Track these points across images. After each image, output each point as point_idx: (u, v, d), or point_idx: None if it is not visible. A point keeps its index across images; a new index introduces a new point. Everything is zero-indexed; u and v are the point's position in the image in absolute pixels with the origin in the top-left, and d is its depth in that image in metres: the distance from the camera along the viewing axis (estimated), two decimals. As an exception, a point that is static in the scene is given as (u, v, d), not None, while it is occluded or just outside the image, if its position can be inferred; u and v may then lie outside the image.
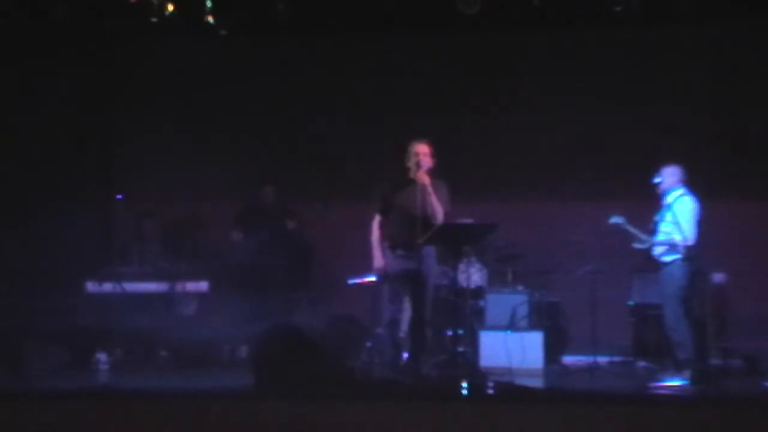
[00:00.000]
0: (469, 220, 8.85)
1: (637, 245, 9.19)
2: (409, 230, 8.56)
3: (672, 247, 8.96)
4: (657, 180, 9.15)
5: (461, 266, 9.07)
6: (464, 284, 9.25)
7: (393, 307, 8.87)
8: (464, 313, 9.33)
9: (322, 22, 11.01)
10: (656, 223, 9.12)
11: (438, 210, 8.61)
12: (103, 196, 11.44)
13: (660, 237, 9.04)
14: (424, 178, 8.60)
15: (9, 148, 10.59)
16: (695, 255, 8.95)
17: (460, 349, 8.97)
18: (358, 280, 9.92)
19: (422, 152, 8.75)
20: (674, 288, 8.93)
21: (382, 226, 8.88)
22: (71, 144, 11.24)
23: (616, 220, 9.27)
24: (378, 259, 8.85)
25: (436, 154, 8.77)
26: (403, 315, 9.01)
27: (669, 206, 9.03)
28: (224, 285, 10.60)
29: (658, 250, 9.08)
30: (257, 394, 7.73)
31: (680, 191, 9.11)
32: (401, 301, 8.91)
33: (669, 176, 9.14)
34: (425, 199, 8.57)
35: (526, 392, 8.31)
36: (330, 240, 11.18)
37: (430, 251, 8.78)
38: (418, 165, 8.69)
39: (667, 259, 9.00)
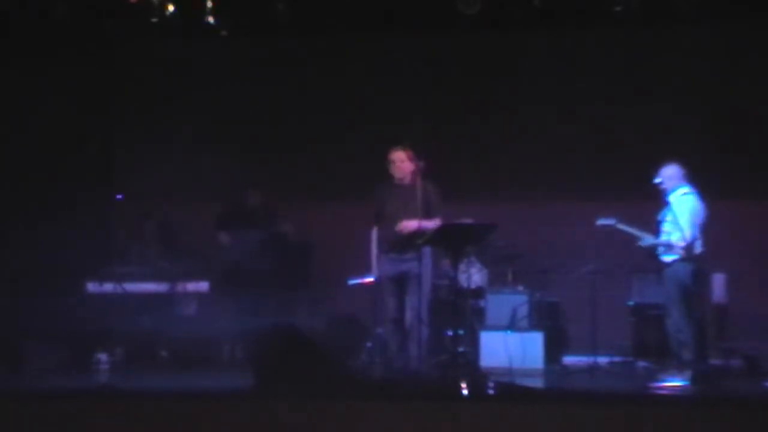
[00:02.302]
0: (469, 220, 8.86)
1: (641, 243, 9.18)
2: (393, 235, 8.64)
3: (669, 247, 8.96)
4: (657, 180, 9.14)
5: (461, 266, 9.07)
6: (464, 284, 9.25)
7: (393, 307, 8.90)
8: (464, 313, 9.34)
9: (322, 22, 11.01)
10: (659, 223, 9.12)
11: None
12: (103, 196, 11.43)
13: (663, 237, 9.03)
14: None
15: (9, 148, 10.58)
16: (698, 255, 8.95)
17: (461, 349, 8.96)
18: (358, 280, 9.92)
19: (397, 159, 8.80)
20: (678, 288, 8.93)
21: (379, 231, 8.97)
22: (71, 144, 11.24)
23: (605, 221, 9.24)
24: (374, 269, 8.92)
25: (422, 156, 8.79)
26: (404, 314, 9.04)
27: (671, 205, 9.03)
28: (224, 285, 10.60)
29: (660, 250, 9.07)
30: (257, 394, 7.73)
31: (684, 189, 9.10)
32: (401, 301, 8.94)
33: (669, 176, 9.14)
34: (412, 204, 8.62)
35: (526, 392, 8.30)
36: (330, 240, 11.18)
37: (425, 251, 8.81)
38: (397, 171, 8.77)
39: (668, 259, 9.01)
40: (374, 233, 9.00)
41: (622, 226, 9.19)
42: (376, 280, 9.10)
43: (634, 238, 9.18)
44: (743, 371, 9.60)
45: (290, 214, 11.09)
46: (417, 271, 8.67)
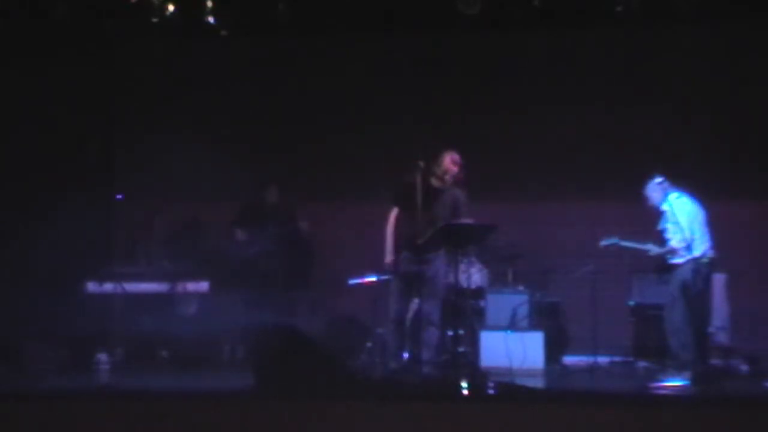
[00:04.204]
0: (469, 221, 8.86)
1: (650, 253, 9.21)
2: (412, 233, 8.61)
3: (674, 252, 8.99)
4: (658, 180, 9.14)
5: (462, 266, 9.06)
6: (465, 284, 9.25)
7: (398, 306, 8.90)
8: (465, 313, 9.34)
9: (322, 22, 11.01)
10: (663, 232, 9.14)
11: None
12: (104, 196, 11.43)
13: (671, 243, 9.06)
14: None
15: (9, 148, 10.58)
16: (705, 255, 8.97)
17: (461, 349, 8.96)
18: (358, 280, 9.92)
19: (450, 171, 8.79)
20: (681, 288, 8.94)
21: (398, 221, 8.92)
22: (71, 144, 11.24)
23: (608, 242, 9.29)
24: (388, 254, 8.87)
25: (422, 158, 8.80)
26: (407, 314, 9.05)
27: (666, 212, 9.05)
28: (226, 284, 10.59)
29: (668, 257, 9.10)
30: (257, 394, 7.73)
31: (674, 195, 9.12)
32: (407, 300, 8.94)
33: (654, 192, 9.16)
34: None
35: (527, 392, 8.30)
36: (330, 240, 11.18)
37: (440, 253, 8.82)
38: (435, 176, 8.74)
39: (677, 261, 9.03)
40: (392, 216, 8.94)
41: (625, 243, 9.24)
42: (385, 273, 9.07)
43: (640, 252, 9.20)
44: (743, 371, 9.60)
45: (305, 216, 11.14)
46: (432, 273, 8.69)
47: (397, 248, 8.89)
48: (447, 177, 8.84)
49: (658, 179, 9.14)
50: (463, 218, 8.78)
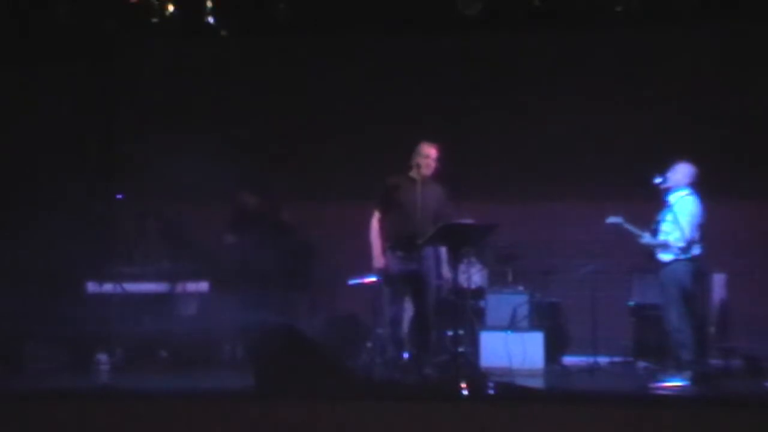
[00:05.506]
0: (469, 220, 8.86)
1: (642, 241, 9.18)
2: (407, 230, 8.59)
3: (666, 247, 8.96)
4: (657, 180, 9.12)
5: (461, 266, 9.06)
6: (464, 284, 9.25)
7: (394, 307, 8.89)
8: (464, 314, 9.33)
9: (322, 22, 11.01)
10: (658, 223, 9.11)
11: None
12: (104, 196, 11.43)
13: (661, 236, 9.03)
14: None
15: (9, 148, 10.59)
16: (697, 256, 8.95)
17: (461, 349, 8.96)
18: (358, 280, 9.92)
19: (435, 156, 8.76)
20: (676, 288, 8.91)
21: (382, 223, 8.90)
22: (71, 144, 11.24)
23: (613, 220, 9.26)
24: (377, 258, 8.84)
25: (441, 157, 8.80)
26: (404, 314, 9.04)
27: (671, 206, 9.02)
28: (225, 285, 10.60)
29: (657, 250, 9.07)
30: (257, 394, 7.73)
31: (685, 192, 9.08)
32: (402, 300, 8.93)
33: (679, 173, 9.11)
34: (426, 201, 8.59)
35: (527, 392, 8.30)
36: (330, 240, 11.18)
37: (431, 252, 8.80)
38: (420, 167, 8.72)
39: (666, 259, 9.00)
40: (374, 220, 8.94)
41: (627, 225, 9.21)
42: (377, 276, 9.06)
43: (635, 236, 9.19)
44: (743, 371, 9.60)
45: (290, 215, 11.11)
46: (422, 271, 8.68)
47: (384, 250, 8.87)
48: (428, 161, 8.80)
49: (689, 166, 9.09)
50: (448, 211, 8.75)
